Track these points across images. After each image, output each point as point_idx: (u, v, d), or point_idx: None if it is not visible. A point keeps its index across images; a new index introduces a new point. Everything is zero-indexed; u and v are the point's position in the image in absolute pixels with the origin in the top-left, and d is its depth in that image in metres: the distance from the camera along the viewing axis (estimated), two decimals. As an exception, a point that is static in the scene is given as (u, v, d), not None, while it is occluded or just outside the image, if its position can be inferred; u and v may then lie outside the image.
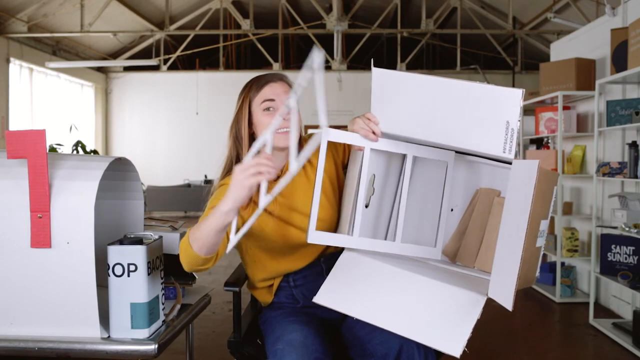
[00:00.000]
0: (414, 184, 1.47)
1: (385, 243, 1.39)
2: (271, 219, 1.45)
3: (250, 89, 1.46)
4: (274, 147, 1.44)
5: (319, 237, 1.35)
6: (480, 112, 1.18)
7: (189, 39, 10.38)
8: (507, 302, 1.07)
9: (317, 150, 1.42)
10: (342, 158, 1.57)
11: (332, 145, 1.51)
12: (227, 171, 1.48)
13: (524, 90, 1.12)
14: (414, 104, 1.28)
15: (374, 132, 1.34)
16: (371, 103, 1.36)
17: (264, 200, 1.14)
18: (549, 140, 4.54)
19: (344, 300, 1.27)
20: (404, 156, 1.42)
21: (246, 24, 10.12)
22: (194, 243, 1.19)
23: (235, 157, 1.47)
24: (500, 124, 1.14)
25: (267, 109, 1.43)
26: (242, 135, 1.44)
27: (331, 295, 1.28)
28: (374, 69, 1.32)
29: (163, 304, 1.28)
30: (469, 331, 1.12)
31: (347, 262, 1.35)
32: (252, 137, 1.46)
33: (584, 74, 3.86)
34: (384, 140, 1.37)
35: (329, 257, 1.50)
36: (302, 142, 1.52)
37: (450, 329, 1.14)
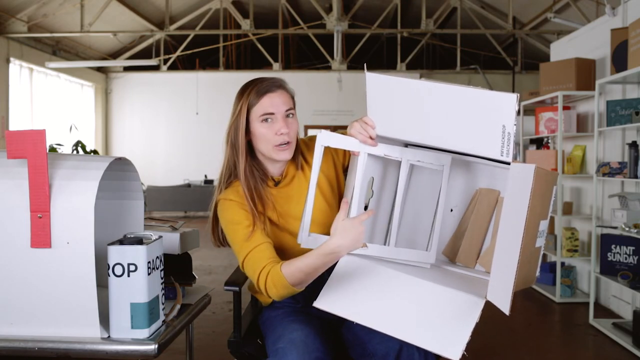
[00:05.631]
0: (413, 188, 1.47)
1: (378, 247, 1.38)
2: (273, 227, 1.45)
3: (249, 96, 1.42)
4: (273, 159, 1.44)
5: (312, 242, 1.35)
6: (475, 116, 1.16)
7: (189, 39, 10.37)
8: (504, 306, 1.07)
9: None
10: (342, 161, 1.56)
11: (332, 147, 1.50)
12: (227, 178, 1.47)
13: (519, 94, 1.11)
14: (410, 109, 1.26)
15: (371, 137, 1.34)
16: (367, 107, 1.34)
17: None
18: (549, 140, 4.54)
19: (343, 305, 1.26)
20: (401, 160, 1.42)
21: (246, 24, 10.12)
22: (298, 285, 1.30)
23: (233, 165, 1.45)
24: (496, 128, 1.13)
25: (266, 120, 1.41)
26: (239, 143, 1.42)
27: (331, 299, 1.28)
28: (368, 74, 1.29)
29: (163, 304, 1.27)
30: (468, 334, 1.12)
31: (346, 265, 1.34)
32: (249, 145, 1.45)
33: (584, 74, 3.86)
34: (381, 144, 1.36)
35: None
36: (298, 145, 1.51)
37: (450, 333, 1.14)
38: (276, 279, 1.29)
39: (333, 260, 1.27)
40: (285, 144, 1.42)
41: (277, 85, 1.44)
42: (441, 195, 1.40)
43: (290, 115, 1.44)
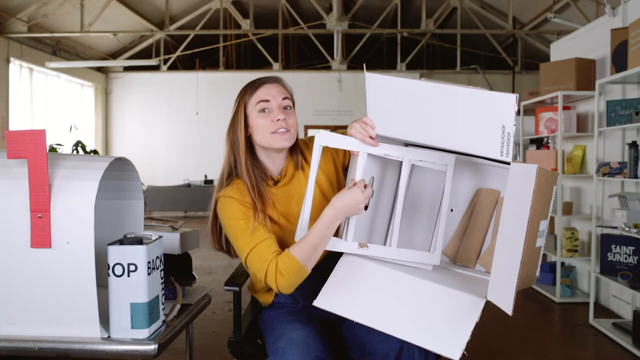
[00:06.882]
0: (411, 188, 1.46)
1: (380, 248, 1.37)
2: (273, 225, 1.44)
3: (245, 93, 1.45)
4: (271, 148, 1.44)
5: None
6: (475, 117, 1.16)
7: (189, 39, 10.37)
8: (506, 306, 1.07)
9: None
10: (342, 160, 1.56)
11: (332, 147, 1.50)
12: (227, 177, 1.46)
13: (518, 95, 1.11)
14: (410, 109, 1.26)
15: (371, 137, 1.34)
16: (367, 107, 1.34)
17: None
18: (549, 140, 4.54)
19: (343, 304, 1.26)
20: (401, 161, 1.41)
21: (246, 24, 10.12)
22: (307, 263, 1.31)
23: (234, 162, 1.46)
24: (496, 128, 1.13)
25: (263, 110, 1.41)
26: (239, 138, 1.43)
27: (331, 298, 1.28)
28: (367, 74, 1.29)
29: (163, 304, 1.27)
30: (468, 334, 1.12)
31: (346, 265, 1.34)
32: (249, 140, 1.45)
33: (584, 74, 3.86)
34: (382, 144, 1.36)
35: (328, 255, 1.49)
36: (298, 144, 1.51)
37: (450, 332, 1.14)
38: (287, 262, 1.29)
39: (335, 218, 1.29)
40: (283, 130, 1.41)
41: (273, 79, 1.47)
42: (445, 196, 1.39)
43: (288, 108, 1.44)
